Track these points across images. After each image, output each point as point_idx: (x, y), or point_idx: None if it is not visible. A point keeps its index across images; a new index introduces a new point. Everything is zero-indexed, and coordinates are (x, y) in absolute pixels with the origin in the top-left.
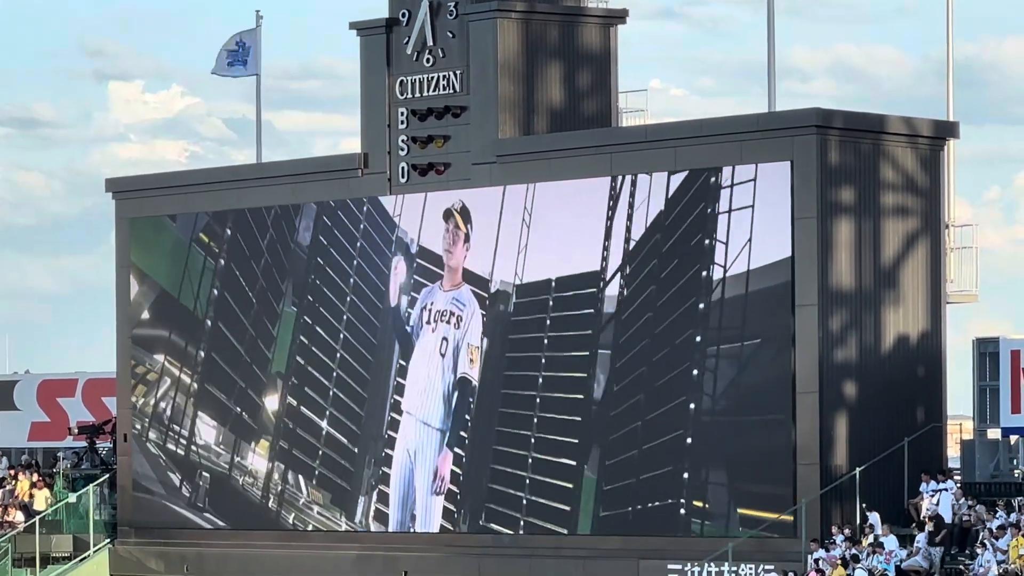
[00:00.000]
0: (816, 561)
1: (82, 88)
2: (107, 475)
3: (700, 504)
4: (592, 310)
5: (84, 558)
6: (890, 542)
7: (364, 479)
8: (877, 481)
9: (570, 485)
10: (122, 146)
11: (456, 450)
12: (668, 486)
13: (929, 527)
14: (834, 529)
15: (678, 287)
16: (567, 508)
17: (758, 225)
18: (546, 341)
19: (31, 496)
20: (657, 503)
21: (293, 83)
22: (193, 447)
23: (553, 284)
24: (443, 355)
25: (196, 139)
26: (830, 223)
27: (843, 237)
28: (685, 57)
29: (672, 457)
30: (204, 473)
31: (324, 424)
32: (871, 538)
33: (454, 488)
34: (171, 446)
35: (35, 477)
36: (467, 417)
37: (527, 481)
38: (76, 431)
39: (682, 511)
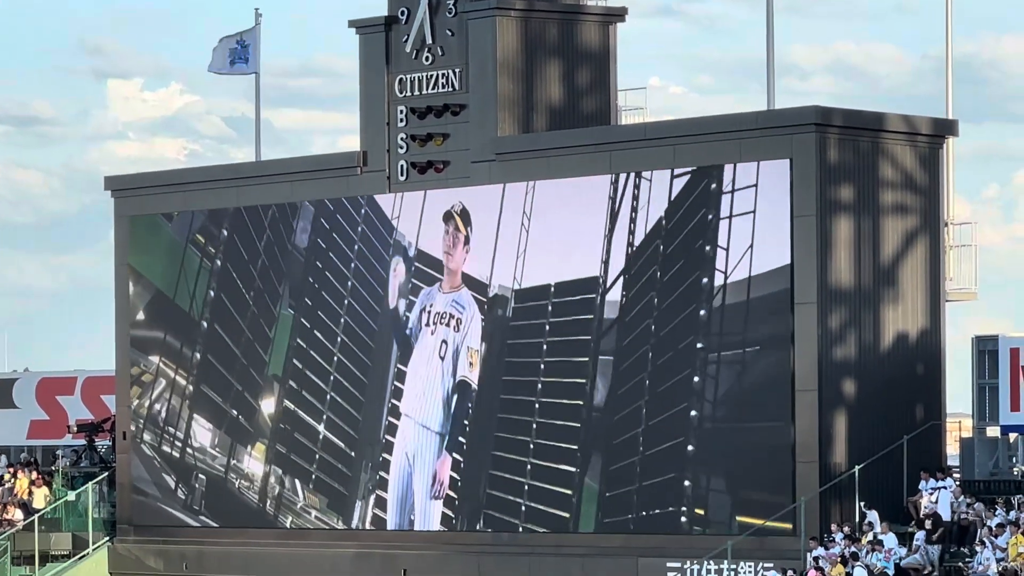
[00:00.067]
0: (815, 559)
1: (81, 86)
2: (106, 473)
3: (701, 512)
4: (591, 316)
5: (83, 556)
6: (889, 540)
7: (361, 483)
8: (876, 479)
9: (569, 491)
10: (121, 144)
11: (454, 455)
12: (669, 493)
13: (927, 525)
14: (833, 527)
15: (679, 293)
16: (566, 515)
17: (759, 231)
18: (545, 346)
19: (30, 494)
20: (658, 510)
21: (292, 81)
22: (188, 450)
23: (552, 289)
24: (442, 358)
25: (195, 137)
26: (829, 221)
27: (842, 235)
28: (684, 55)
29: (673, 464)
30: (200, 476)
31: (321, 428)
32: (870, 536)
33: (452, 494)
34: (166, 448)
35: (34, 475)
36: (466, 422)
37: (526, 487)
38: (75, 429)
39: (683, 519)
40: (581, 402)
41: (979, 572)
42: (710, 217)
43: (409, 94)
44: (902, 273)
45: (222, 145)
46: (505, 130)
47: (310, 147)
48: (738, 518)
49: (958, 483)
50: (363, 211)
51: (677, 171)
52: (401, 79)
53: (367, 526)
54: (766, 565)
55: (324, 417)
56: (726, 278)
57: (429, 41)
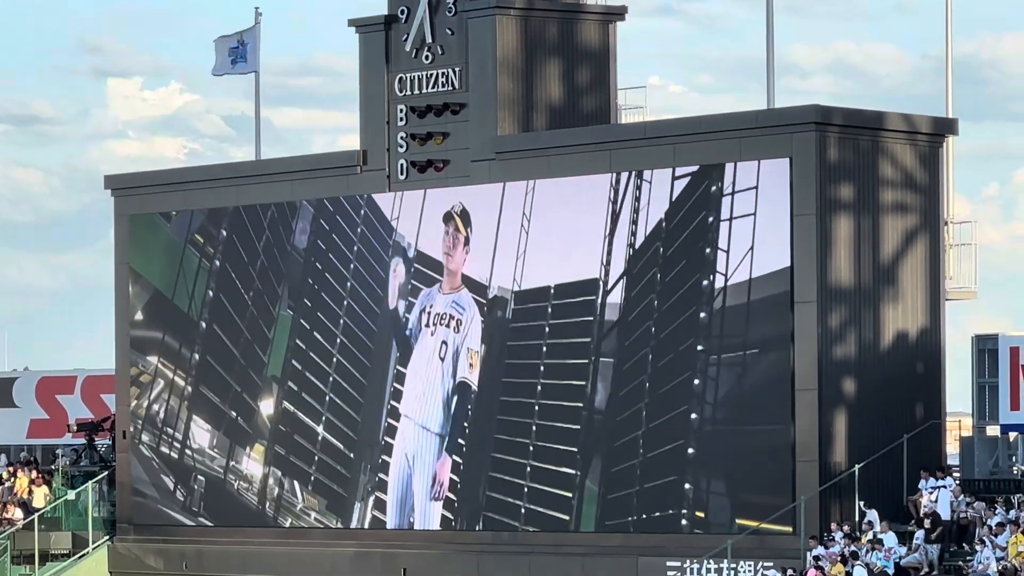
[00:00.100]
0: (815, 558)
1: (81, 85)
2: (106, 472)
3: (701, 515)
4: (592, 318)
5: (83, 555)
6: (889, 539)
7: (360, 485)
8: (876, 478)
9: (569, 494)
10: (121, 143)
11: (454, 457)
12: (670, 496)
13: (927, 524)
14: (833, 526)
15: (679, 295)
16: (566, 517)
17: (759, 231)
18: (545, 348)
19: (30, 493)
20: (658, 513)
21: (292, 80)
22: (187, 451)
23: (552, 291)
24: (442, 359)
25: (195, 136)
26: (829, 220)
27: (842, 234)
28: (684, 54)
29: (673, 467)
30: (199, 477)
31: (320, 429)
32: (870, 535)
33: (452, 496)
34: (164, 449)
35: (34, 474)
36: (465, 424)
37: (525, 489)
38: (75, 428)
39: (683, 521)
40: (581, 404)
41: (979, 571)
42: (710, 219)
43: (409, 93)
44: (902, 272)
45: (222, 144)
46: (505, 129)
47: (310, 146)
48: (738, 521)
49: (958, 482)
50: (362, 212)
51: (678, 173)
52: (401, 78)
53: (366, 528)
54: (766, 564)
55: (323, 418)
56: (726, 280)
57: (429, 40)
